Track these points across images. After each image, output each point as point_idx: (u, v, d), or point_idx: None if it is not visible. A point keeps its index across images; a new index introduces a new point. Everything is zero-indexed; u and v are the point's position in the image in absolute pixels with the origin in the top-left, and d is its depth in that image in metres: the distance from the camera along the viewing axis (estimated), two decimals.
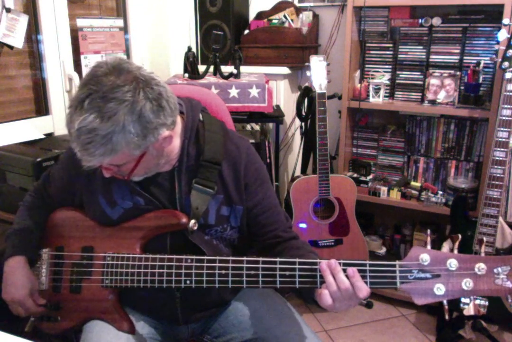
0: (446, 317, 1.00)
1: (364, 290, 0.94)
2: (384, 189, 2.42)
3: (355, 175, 2.50)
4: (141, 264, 1.11)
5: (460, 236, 1.00)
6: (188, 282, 1.07)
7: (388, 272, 0.96)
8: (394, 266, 0.95)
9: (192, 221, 1.13)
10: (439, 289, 0.93)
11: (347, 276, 0.95)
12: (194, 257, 1.08)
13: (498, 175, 1.85)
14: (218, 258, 1.06)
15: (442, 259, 0.93)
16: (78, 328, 1.20)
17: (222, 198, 1.18)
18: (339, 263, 0.97)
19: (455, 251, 0.95)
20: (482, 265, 0.91)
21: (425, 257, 0.94)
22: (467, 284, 0.91)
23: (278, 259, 1.02)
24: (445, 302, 0.95)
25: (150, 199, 1.15)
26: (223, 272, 1.05)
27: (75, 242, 1.21)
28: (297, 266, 1.00)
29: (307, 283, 1.00)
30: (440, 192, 2.33)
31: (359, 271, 0.96)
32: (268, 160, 2.31)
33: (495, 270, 0.91)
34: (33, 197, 1.34)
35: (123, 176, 1.09)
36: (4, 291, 1.22)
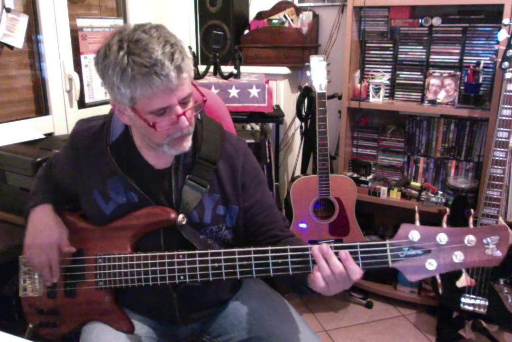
0: (440, 291, 1.01)
1: (357, 272, 0.96)
2: (384, 189, 2.41)
3: (355, 175, 2.50)
4: (133, 263, 1.11)
5: (448, 209, 1.01)
6: (182, 277, 1.07)
7: (379, 252, 0.97)
8: (384, 245, 0.96)
9: (181, 216, 1.12)
10: (431, 264, 0.94)
11: (339, 259, 0.96)
12: (185, 252, 1.08)
13: (498, 175, 1.85)
14: (209, 251, 1.06)
15: (432, 234, 0.95)
16: (78, 331, 1.20)
17: (219, 197, 1.18)
18: (330, 247, 0.97)
19: (444, 225, 0.97)
20: (471, 237, 0.93)
21: (414, 234, 0.95)
22: (457, 256, 0.93)
23: (269, 248, 1.03)
24: (437, 276, 0.96)
25: (144, 195, 1.14)
26: (216, 264, 1.05)
27: None
28: (288, 253, 1.01)
29: (300, 269, 1.01)
30: (440, 192, 2.33)
31: (351, 253, 0.96)
32: (268, 160, 2.31)
33: (484, 241, 0.92)
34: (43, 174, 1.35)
35: (189, 123, 1.06)
36: (31, 235, 1.20)
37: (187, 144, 1.10)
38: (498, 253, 0.92)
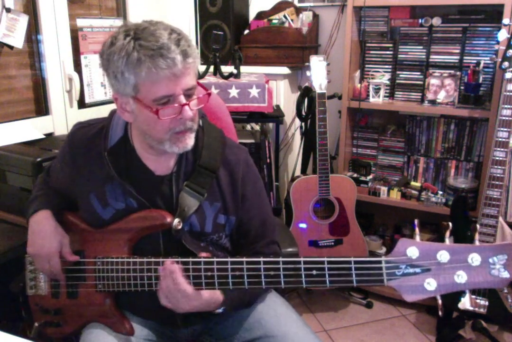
0: (440, 313, 0.96)
1: (191, 298, 1.00)
2: (384, 189, 2.41)
3: (355, 175, 2.50)
4: (129, 267, 1.11)
5: (450, 224, 0.95)
6: None
7: (374, 269, 0.90)
8: (380, 262, 0.90)
9: (176, 220, 1.11)
10: (430, 284, 0.86)
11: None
12: (180, 259, 1.05)
13: (498, 175, 1.85)
14: (203, 260, 1.04)
15: (432, 251, 0.86)
16: (80, 332, 1.20)
17: (220, 205, 1.17)
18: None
19: (447, 241, 0.90)
20: (476, 256, 0.84)
21: (413, 251, 0.87)
22: (460, 277, 0.84)
23: (262, 259, 1.00)
24: (438, 297, 0.90)
25: (143, 201, 1.13)
26: (209, 273, 1.03)
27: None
28: (281, 266, 0.98)
29: (292, 282, 0.98)
30: (440, 192, 2.33)
31: (344, 268, 0.92)
32: (268, 160, 2.31)
33: (490, 260, 0.84)
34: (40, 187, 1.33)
35: (192, 115, 1.05)
36: (32, 245, 1.19)
37: (190, 142, 1.08)
38: (506, 274, 0.83)
